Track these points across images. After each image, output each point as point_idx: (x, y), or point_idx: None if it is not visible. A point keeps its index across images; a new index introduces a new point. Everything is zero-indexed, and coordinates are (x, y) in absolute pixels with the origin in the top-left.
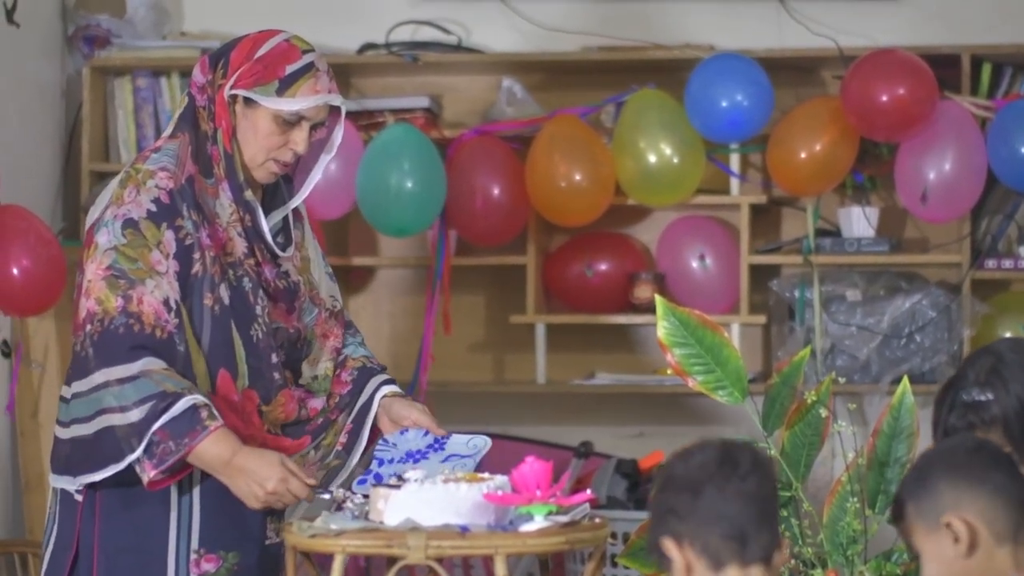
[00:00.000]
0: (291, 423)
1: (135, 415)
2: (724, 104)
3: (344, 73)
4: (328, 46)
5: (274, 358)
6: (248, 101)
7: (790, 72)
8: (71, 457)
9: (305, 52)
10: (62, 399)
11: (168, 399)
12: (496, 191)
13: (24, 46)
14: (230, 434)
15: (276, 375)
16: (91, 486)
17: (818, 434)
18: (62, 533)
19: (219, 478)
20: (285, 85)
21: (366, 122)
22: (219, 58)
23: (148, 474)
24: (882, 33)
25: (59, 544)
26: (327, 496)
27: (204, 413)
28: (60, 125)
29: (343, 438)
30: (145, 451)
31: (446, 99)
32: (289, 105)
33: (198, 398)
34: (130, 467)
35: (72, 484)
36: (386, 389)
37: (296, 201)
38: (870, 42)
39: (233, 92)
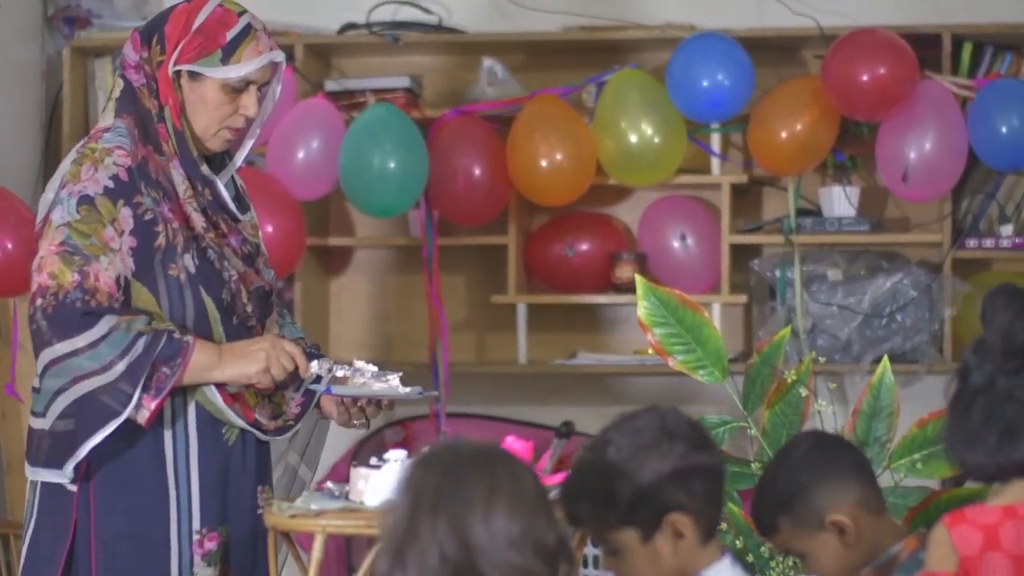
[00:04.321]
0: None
1: (121, 366)
2: (705, 84)
3: (325, 53)
4: (309, 26)
5: (251, 320)
6: (193, 75)
7: (771, 52)
8: (55, 446)
9: (240, 14)
10: (34, 390)
11: (147, 334)
12: (477, 171)
13: (4, 27)
14: (204, 340)
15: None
16: (85, 476)
17: (799, 413)
18: (50, 525)
19: (215, 378)
20: (228, 52)
21: (347, 102)
22: (152, 33)
23: (148, 409)
24: (863, 12)
25: (49, 536)
26: (315, 364)
27: (177, 334)
28: (40, 106)
29: (295, 409)
30: (142, 389)
31: (427, 79)
32: (236, 71)
33: (168, 325)
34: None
35: (60, 476)
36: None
37: (240, 158)
38: (851, 21)
39: (177, 68)
